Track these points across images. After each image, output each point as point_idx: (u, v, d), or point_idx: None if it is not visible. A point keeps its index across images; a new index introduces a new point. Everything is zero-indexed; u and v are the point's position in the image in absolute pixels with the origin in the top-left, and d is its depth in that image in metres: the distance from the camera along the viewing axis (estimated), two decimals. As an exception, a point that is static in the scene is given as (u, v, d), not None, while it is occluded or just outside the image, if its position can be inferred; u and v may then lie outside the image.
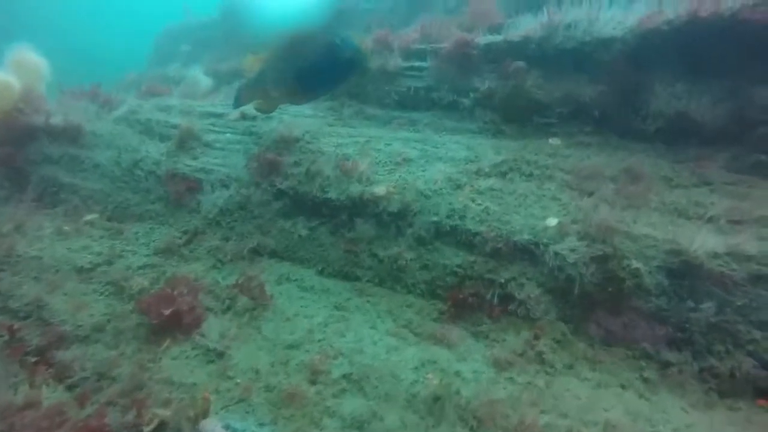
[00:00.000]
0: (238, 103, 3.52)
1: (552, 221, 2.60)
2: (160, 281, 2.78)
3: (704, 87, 3.20)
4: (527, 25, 3.93)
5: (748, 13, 2.93)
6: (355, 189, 3.05)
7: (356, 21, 7.78)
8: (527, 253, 2.57)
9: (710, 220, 2.60)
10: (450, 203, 2.86)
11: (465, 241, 2.72)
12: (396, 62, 4.17)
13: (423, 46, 4.21)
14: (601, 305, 2.41)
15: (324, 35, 2.79)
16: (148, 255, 3.08)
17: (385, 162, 3.35)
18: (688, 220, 2.65)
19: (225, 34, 10.63)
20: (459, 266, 2.67)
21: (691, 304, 2.28)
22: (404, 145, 3.57)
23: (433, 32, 4.35)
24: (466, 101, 3.83)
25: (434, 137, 3.67)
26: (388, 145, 3.58)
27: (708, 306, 2.23)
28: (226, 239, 3.21)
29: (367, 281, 2.86)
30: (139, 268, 2.97)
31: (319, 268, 2.97)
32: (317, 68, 2.73)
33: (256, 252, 3.10)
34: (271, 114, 4.15)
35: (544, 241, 2.53)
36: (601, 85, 3.46)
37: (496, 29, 4.49)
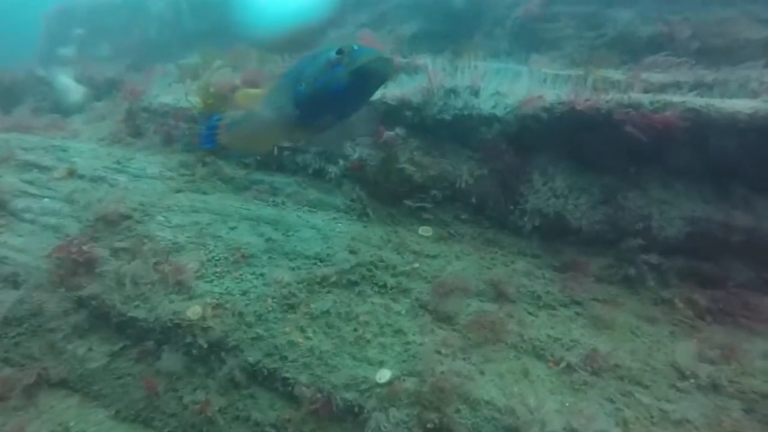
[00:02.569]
0: (207, 142, 2.52)
1: (384, 374, 2.16)
2: None
3: (584, 184, 2.86)
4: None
5: (621, 114, 2.58)
6: (166, 308, 2.48)
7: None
8: (350, 414, 2.12)
9: (566, 368, 2.25)
10: (274, 336, 2.36)
11: (284, 390, 2.24)
12: (261, 114, 3.55)
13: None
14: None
15: (329, 48, 1.98)
16: None
17: (219, 259, 2.79)
18: (544, 364, 2.30)
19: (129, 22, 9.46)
20: (272, 425, 2.19)
21: (525, 497, 1.93)
22: (251, 230, 3.01)
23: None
24: (334, 170, 3.30)
25: (291, 216, 3.13)
26: (233, 229, 3.01)
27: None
28: (5, 362, 2.55)
29: (168, 432, 2.33)
30: None
31: (114, 410, 2.40)
32: (323, 91, 1.91)
33: (39, 384, 2.47)
34: (102, 175, 3.45)
35: (370, 404, 2.09)
36: (480, 169, 3.04)
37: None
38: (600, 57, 3.95)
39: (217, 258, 2.79)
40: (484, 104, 3.01)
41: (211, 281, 2.65)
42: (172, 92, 4.19)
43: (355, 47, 1.89)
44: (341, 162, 3.29)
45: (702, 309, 2.56)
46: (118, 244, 2.88)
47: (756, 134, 2.45)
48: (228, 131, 2.49)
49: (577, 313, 2.58)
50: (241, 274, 2.69)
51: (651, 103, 2.64)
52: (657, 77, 3.29)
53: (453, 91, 3.11)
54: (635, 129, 2.62)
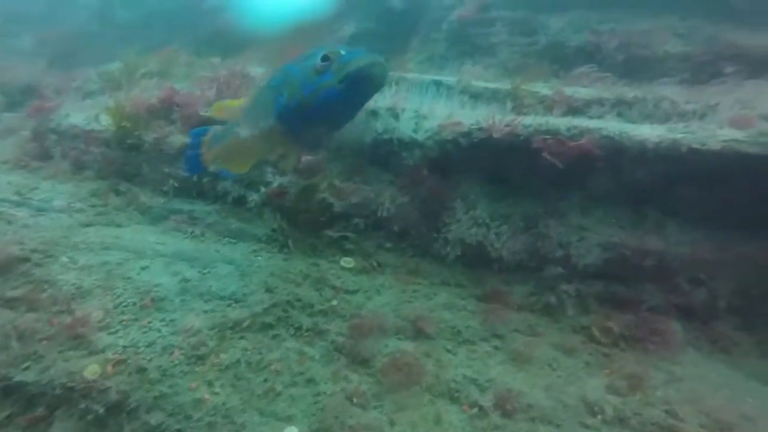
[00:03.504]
0: (195, 166, 2.40)
1: (291, 432, 2.09)
2: None
3: (505, 212, 2.83)
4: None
5: (540, 142, 2.53)
6: (60, 367, 2.31)
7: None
8: (252, 479, 2.05)
9: (479, 411, 2.24)
10: (178, 393, 2.24)
11: (187, 454, 2.14)
12: (177, 139, 3.35)
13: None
14: None
15: (313, 53, 1.80)
16: None
17: (127, 305, 2.62)
18: (458, 408, 2.27)
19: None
20: (176, 493, 2.10)
21: None
22: (165, 268, 2.85)
23: (230, 95, 3.55)
24: (255, 198, 3.16)
25: (210, 251, 2.98)
26: (144, 269, 2.83)
27: None
28: None
29: (65, 505, 2.20)
30: None
31: (2, 486, 2.24)
32: (310, 101, 1.76)
33: None
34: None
35: (274, 467, 2.02)
36: (402, 196, 2.96)
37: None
38: (531, 66, 3.89)
39: (125, 304, 2.62)
40: (405, 127, 2.92)
41: (116, 332, 2.48)
42: (86, 109, 3.90)
43: (343, 51, 1.75)
44: (262, 189, 3.15)
45: (616, 336, 2.60)
46: (10, 293, 2.66)
47: (662, 162, 2.46)
48: (210, 147, 2.31)
49: (497, 348, 2.56)
50: (149, 322, 2.53)
51: (568, 129, 2.61)
52: (582, 93, 3.26)
53: (373, 113, 3.01)
54: (552, 156, 2.58)
